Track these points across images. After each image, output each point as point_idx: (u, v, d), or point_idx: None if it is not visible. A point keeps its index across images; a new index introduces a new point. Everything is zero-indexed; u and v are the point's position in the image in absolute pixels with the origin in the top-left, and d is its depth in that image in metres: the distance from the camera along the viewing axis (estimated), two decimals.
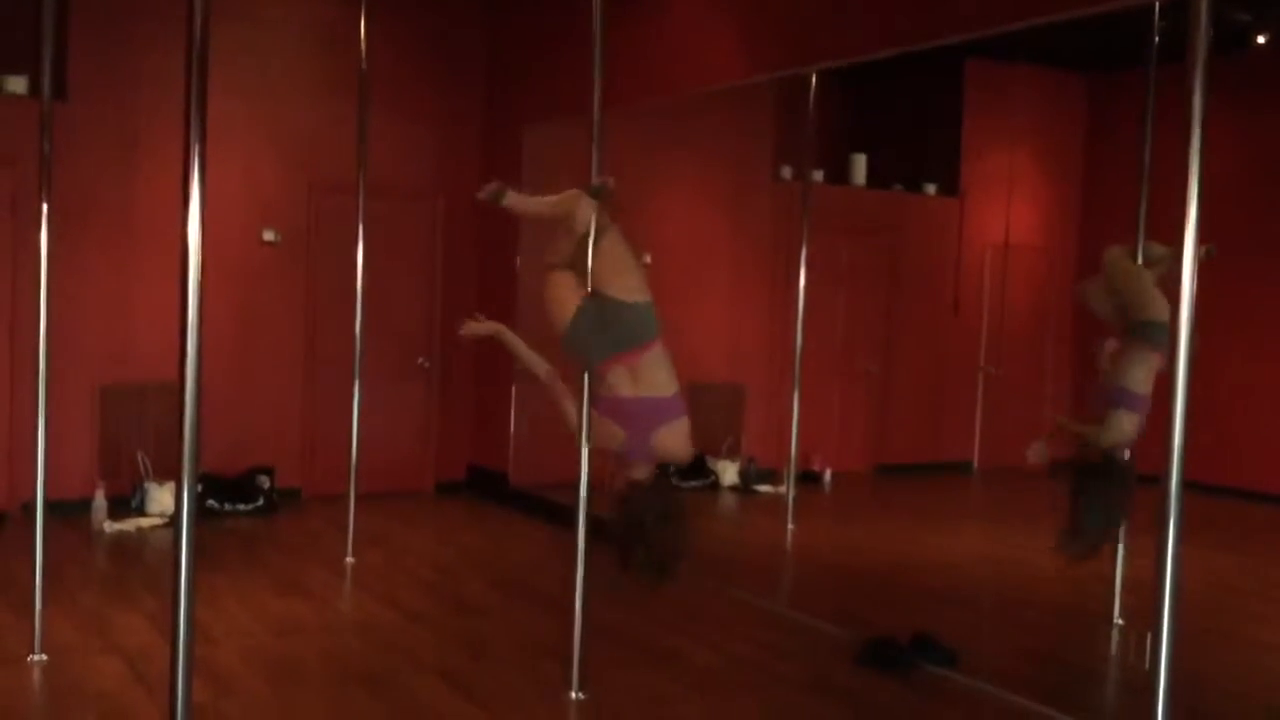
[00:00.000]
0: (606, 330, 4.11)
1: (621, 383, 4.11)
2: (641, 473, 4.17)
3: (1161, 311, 4.59)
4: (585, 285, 4.18)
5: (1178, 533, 2.37)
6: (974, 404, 6.91)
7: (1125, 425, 4.81)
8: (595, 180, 4.27)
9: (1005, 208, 6.63)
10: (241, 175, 7.83)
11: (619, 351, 4.09)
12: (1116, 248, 5.04)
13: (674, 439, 4.15)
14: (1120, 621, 5.18)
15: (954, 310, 7.07)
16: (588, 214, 4.16)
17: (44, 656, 4.53)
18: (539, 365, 4.34)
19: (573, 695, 4.36)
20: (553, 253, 4.31)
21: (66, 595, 5.43)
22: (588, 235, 4.15)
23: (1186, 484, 2.46)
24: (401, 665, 4.72)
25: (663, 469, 4.24)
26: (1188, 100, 2.32)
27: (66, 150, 6.78)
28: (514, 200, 4.45)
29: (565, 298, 4.17)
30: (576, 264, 4.21)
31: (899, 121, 7.67)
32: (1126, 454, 4.97)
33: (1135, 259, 4.98)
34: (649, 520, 4.03)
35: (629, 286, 4.12)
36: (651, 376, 4.10)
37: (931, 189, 7.50)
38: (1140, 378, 4.74)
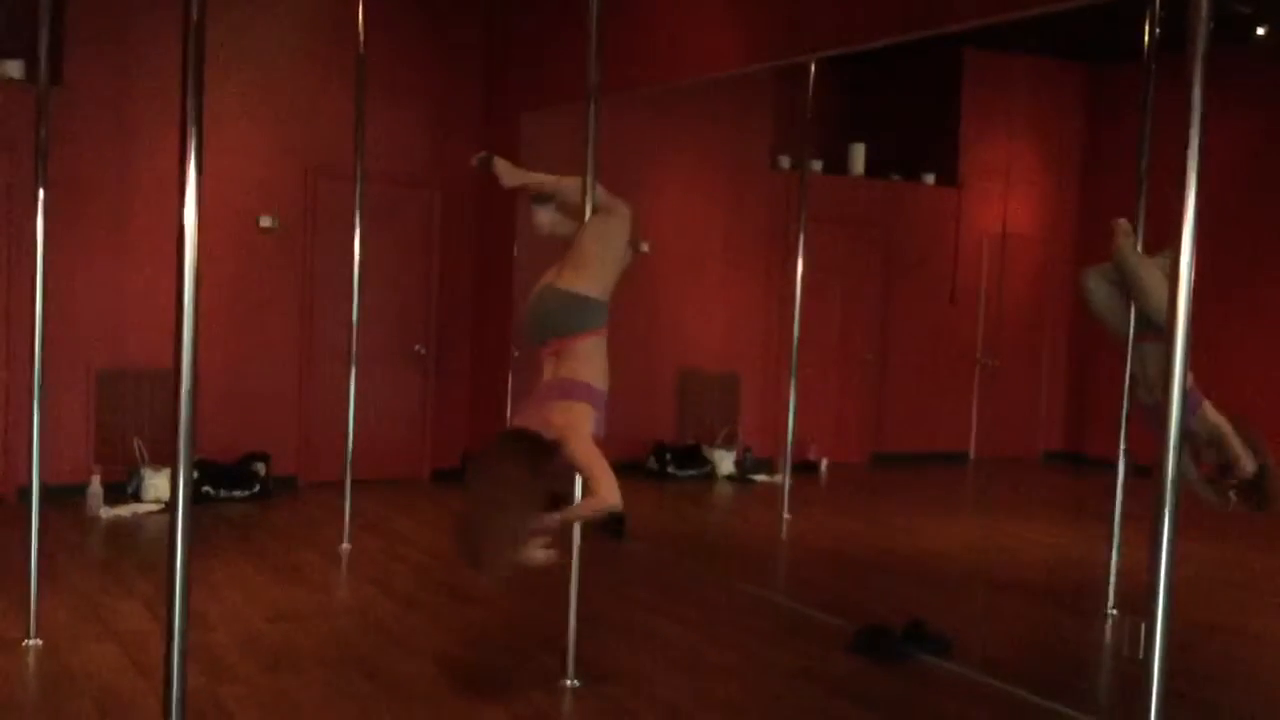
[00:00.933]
0: (538, 319, 4.05)
1: (547, 369, 4.01)
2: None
3: None
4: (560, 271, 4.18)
5: (1173, 522, 2.37)
6: (970, 394, 6.92)
7: (1213, 410, 4.76)
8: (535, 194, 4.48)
9: (1003, 198, 6.63)
10: (238, 161, 7.81)
11: (545, 341, 4.01)
12: (1124, 239, 4.93)
13: (562, 412, 3.84)
14: (1114, 611, 5.20)
15: (951, 300, 7.07)
16: (540, 220, 4.37)
17: (39, 641, 4.54)
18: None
19: (567, 682, 4.37)
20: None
21: (62, 580, 5.43)
22: (546, 231, 4.34)
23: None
24: (397, 651, 4.73)
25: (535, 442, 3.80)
26: (1187, 92, 2.31)
27: (62, 135, 6.75)
28: (502, 168, 4.50)
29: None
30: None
31: (897, 111, 7.66)
32: None
33: (1141, 251, 4.92)
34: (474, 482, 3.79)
35: (583, 277, 4.02)
36: (573, 363, 3.93)
37: (930, 179, 7.50)
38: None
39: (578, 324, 3.97)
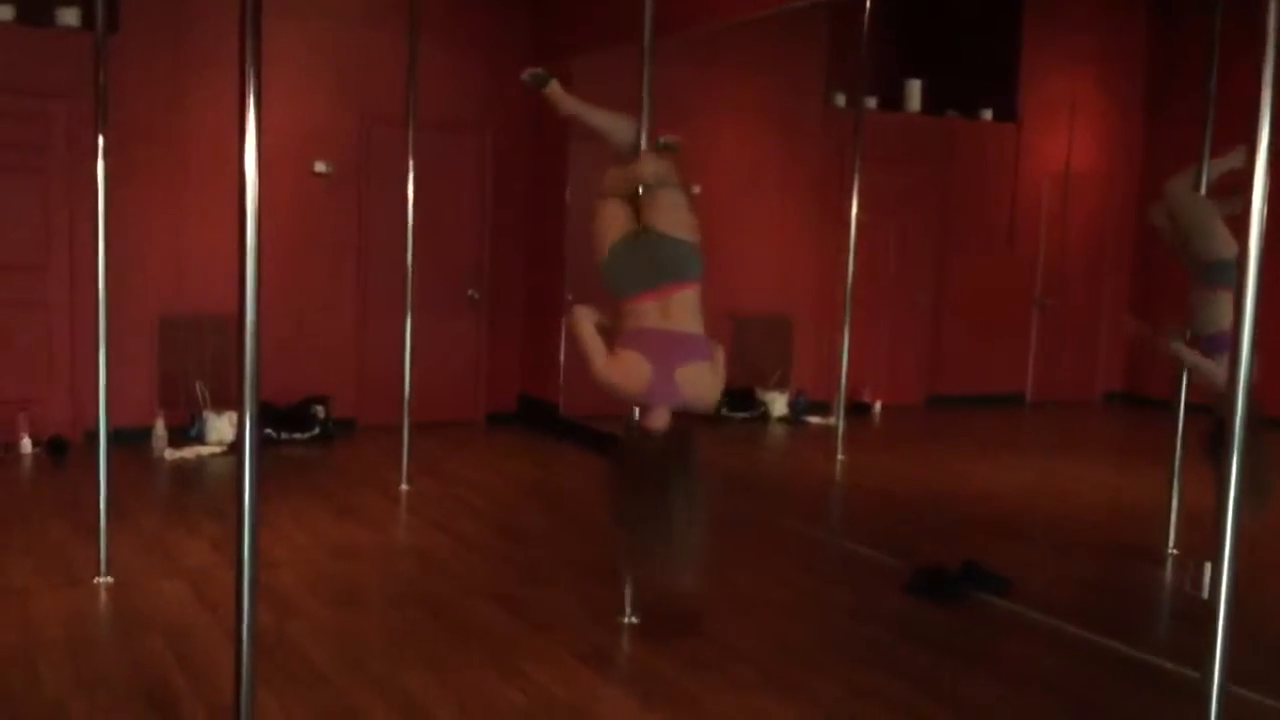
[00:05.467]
0: (648, 262, 3.88)
1: (650, 315, 3.83)
2: (660, 421, 3.85)
3: (1230, 248, 4.40)
4: (634, 219, 4.07)
5: (1239, 461, 2.34)
6: (1028, 336, 6.83)
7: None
8: (662, 138, 4.30)
9: (1065, 134, 6.49)
10: (293, 106, 7.84)
11: (656, 285, 3.83)
12: (1178, 179, 4.89)
13: (699, 379, 3.85)
14: (1174, 551, 5.15)
15: (1010, 240, 6.96)
16: (651, 168, 4.10)
17: (110, 579, 4.67)
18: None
19: (625, 620, 4.42)
20: (609, 182, 4.23)
21: (130, 520, 5.57)
22: (649, 183, 4.06)
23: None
24: (457, 589, 4.80)
25: (682, 428, 3.88)
26: (1263, 18, 2.24)
27: (119, 82, 6.81)
28: (557, 93, 4.36)
29: (609, 228, 3.99)
30: (631, 200, 4.12)
31: (955, 45, 7.49)
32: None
33: (1198, 191, 4.83)
34: (649, 479, 3.73)
35: (680, 223, 3.93)
36: (682, 314, 3.83)
37: (988, 115, 7.34)
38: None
39: (690, 270, 3.85)
